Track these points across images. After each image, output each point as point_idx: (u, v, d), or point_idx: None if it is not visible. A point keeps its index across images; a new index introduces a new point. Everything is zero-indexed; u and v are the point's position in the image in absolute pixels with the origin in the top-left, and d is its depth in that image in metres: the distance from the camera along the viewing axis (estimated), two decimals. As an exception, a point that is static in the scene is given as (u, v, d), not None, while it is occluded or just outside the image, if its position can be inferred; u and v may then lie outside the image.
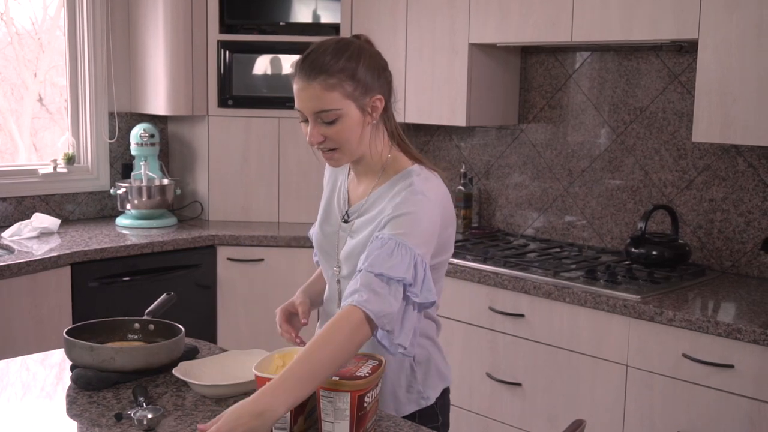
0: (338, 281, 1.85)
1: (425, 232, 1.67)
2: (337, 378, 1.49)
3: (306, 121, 1.72)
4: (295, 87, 1.71)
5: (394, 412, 1.83)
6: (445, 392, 1.94)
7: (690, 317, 2.46)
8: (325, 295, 1.95)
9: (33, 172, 3.75)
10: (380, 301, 1.57)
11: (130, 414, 1.60)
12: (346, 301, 1.59)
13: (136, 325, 2.02)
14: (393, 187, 1.75)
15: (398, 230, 1.64)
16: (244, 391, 1.75)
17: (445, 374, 1.93)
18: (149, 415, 1.58)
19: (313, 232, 1.96)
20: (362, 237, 1.76)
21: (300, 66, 1.70)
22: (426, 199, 1.69)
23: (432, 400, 1.88)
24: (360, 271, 1.61)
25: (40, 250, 3.14)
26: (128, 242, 3.37)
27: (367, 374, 1.52)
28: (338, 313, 1.57)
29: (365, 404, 1.52)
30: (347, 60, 1.69)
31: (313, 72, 1.67)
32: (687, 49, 3.03)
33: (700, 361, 2.45)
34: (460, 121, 3.40)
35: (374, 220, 1.75)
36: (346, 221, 1.84)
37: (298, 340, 1.88)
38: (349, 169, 1.90)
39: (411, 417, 1.85)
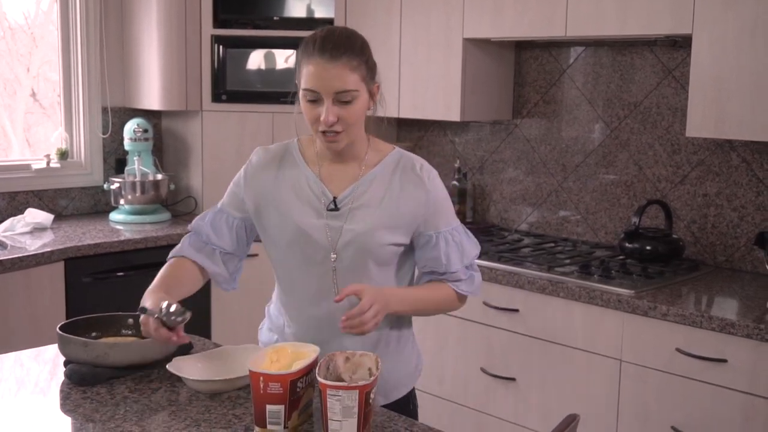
0: (334, 270, 1.79)
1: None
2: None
3: (314, 101, 1.71)
4: (311, 68, 1.69)
5: (396, 393, 1.88)
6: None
7: (684, 312, 2.46)
8: (308, 291, 1.84)
9: (26, 168, 3.73)
10: (471, 282, 1.87)
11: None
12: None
13: (130, 320, 2.02)
14: (393, 168, 1.82)
15: (447, 218, 1.84)
16: (238, 386, 1.75)
17: (420, 352, 2.02)
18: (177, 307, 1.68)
19: (283, 227, 1.82)
20: (371, 220, 1.78)
21: (321, 46, 1.68)
22: (438, 176, 1.86)
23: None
24: (455, 272, 1.83)
25: (34, 246, 3.13)
26: (122, 237, 3.36)
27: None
28: (445, 286, 1.84)
29: (370, 401, 1.52)
30: (362, 45, 1.74)
31: (337, 52, 1.67)
32: (681, 44, 3.03)
33: (694, 356, 2.45)
34: (455, 116, 3.39)
35: (380, 201, 1.78)
36: (334, 209, 1.79)
37: (186, 340, 1.74)
38: (305, 161, 1.83)
39: (405, 399, 1.91)
